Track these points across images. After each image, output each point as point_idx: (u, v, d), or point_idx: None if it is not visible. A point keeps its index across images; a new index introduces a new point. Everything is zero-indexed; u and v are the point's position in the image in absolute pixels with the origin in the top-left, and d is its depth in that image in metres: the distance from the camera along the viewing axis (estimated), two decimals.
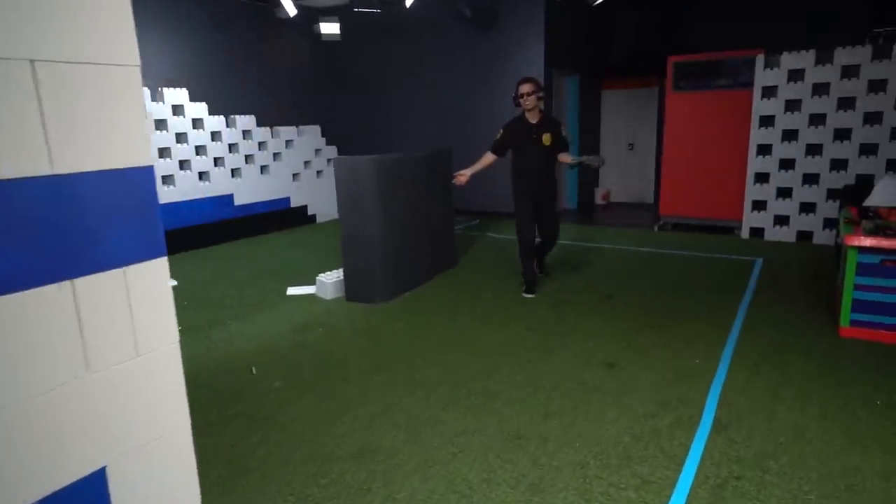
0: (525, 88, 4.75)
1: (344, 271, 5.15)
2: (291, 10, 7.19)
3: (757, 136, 6.99)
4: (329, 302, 5.15)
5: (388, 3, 8.12)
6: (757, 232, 7.19)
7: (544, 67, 8.25)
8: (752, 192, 7.13)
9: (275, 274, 6.10)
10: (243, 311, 4.95)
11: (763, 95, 6.89)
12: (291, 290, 5.47)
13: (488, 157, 5.04)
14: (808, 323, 4.26)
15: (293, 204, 8.72)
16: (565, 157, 4.96)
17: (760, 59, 6.82)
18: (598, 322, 4.41)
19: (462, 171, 5.09)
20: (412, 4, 7.31)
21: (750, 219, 7.20)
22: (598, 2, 6.90)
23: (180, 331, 4.32)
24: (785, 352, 3.76)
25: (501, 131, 4.97)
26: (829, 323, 4.23)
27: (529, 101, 4.75)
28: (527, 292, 5.10)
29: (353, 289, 5.12)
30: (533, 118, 4.83)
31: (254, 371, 3.70)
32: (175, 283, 5.84)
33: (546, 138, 4.80)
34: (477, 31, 8.48)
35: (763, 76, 6.83)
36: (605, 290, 5.23)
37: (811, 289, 5.08)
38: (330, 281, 5.24)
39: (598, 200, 10.33)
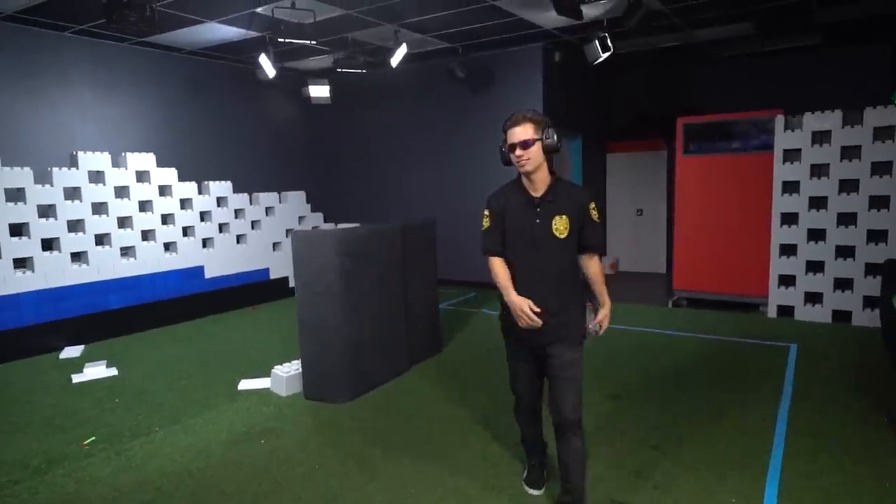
0: (519, 134, 2.41)
1: (302, 364, 4.36)
2: (271, 72, 6.74)
3: (780, 203, 6.26)
4: (284, 400, 4.33)
5: (374, 65, 7.68)
6: (786, 310, 6.34)
7: None
8: (778, 265, 6.33)
9: (233, 360, 5.31)
10: (181, 411, 4.14)
11: (785, 159, 6.21)
12: (244, 384, 4.66)
13: (499, 267, 2.60)
14: (871, 437, 3.37)
15: (273, 276, 8.03)
16: (594, 268, 2.61)
17: (780, 120, 6.18)
18: (603, 435, 3.54)
19: (520, 302, 2.48)
20: (398, 65, 6.83)
21: (777, 295, 6.37)
22: (599, 60, 6.38)
23: (93, 442, 3.57)
24: (852, 484, 2.87)
25: (486, 213, 2.62)
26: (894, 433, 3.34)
27: (527, 158, 2.41)
28: (528, 483, 2.94)
29: (311, 384, 4.31)
30: (536, 185, 2.49)
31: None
32: (115, 372, 5.07)
33: (560, 223, 2.46)
34: (471, 92, 7.99)
35: (784, 138, 6.18)
36: (611, 387, 4.37)
37: (864, 386, 4.20)
38: (286, 374, 4.43)
39: (605, 270, 9.56)
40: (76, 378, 4.93)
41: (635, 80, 9.59)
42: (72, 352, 5.73)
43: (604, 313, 2.64)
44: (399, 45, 6.56)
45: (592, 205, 2.51)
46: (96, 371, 5.05)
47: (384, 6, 5.77)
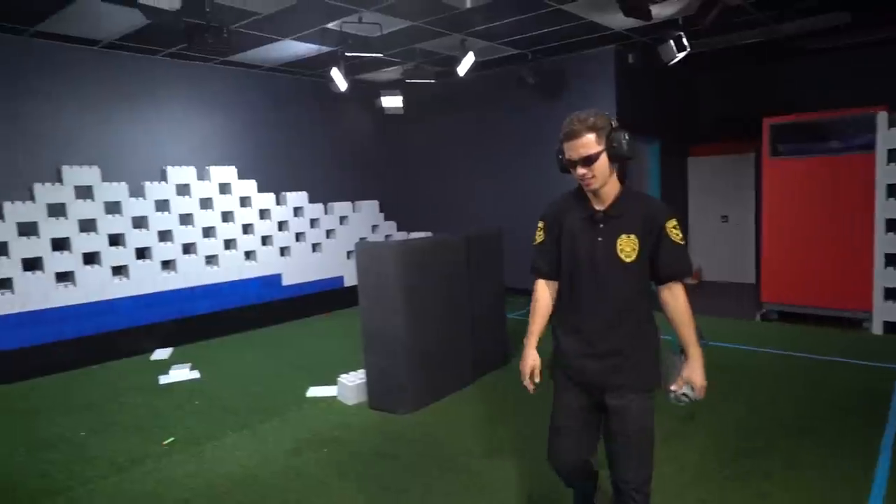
0: (579, 148, 1.98)
1: (366, 373, 4.42)
2: (342, 85, 6.93)
3: (885, 208, 5.70)
4: (349, 409, 4.41)
5: (442, 74, 7.72)
6: (894, 327, 5.75)
7: None
8: (884, 276, 5.76)
9: (305, 367, 5.47)
10: (251, 416, 4.31)
11: (890, 160, 5.65)
12: (313, 391, 4.79)
13: (541, 293, 2.27)
14: None
15: (347, 283, 8.22)
16: (676, 303, 2.08)
17: (884, 118, 5.63)
18: (671, 462, 3.33)
19: (527, 361, 2.24)
20: (466, 73, 6.82)
21: (883, 310, 5.79)
22: (674, 61, 6.08)
23: (172, 442, 3.78)
24: None
25: (540, 225, 2.26)
26: None
27: (593, 177, 2.01)
28: None
29: (375, 394, 4.35)
30: (601, 197, 2.08)
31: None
32: (197, 375, 5.36)
33: (626, 244, 2.05)
34: (542, 98, 7.85)
35: (889, 137, 5.62)
36: (684, 407, 4.11)
37: None
38: (351, 383, 4.51)
39: (688, 280, 9.08)
40: (163, 379, 5.25)
41: (717, 80, 9.08)
42: (161, 354, 6.12)
43: (693, 369, 2.01)
44: (466, 53, 6.55)
45: (672, 223, 2.02)
46: (181, 373, 5.36)
47: (450, 16, 5.79)
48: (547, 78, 7.61)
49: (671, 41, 5.97)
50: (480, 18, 5.97)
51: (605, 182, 2.02)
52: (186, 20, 4.79)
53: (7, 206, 5.52)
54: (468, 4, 5.49)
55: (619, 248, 2.04)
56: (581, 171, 2.00)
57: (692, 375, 2.04)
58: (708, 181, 9.06)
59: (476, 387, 4.71)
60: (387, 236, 8.76)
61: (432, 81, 7.64)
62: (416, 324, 4.25)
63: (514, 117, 8.26)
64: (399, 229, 9.09)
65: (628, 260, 2.03)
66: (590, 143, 1.96)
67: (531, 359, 2.22)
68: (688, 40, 5.95)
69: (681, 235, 2.05)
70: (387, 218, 8.97)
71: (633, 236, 2.03)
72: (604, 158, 1.97)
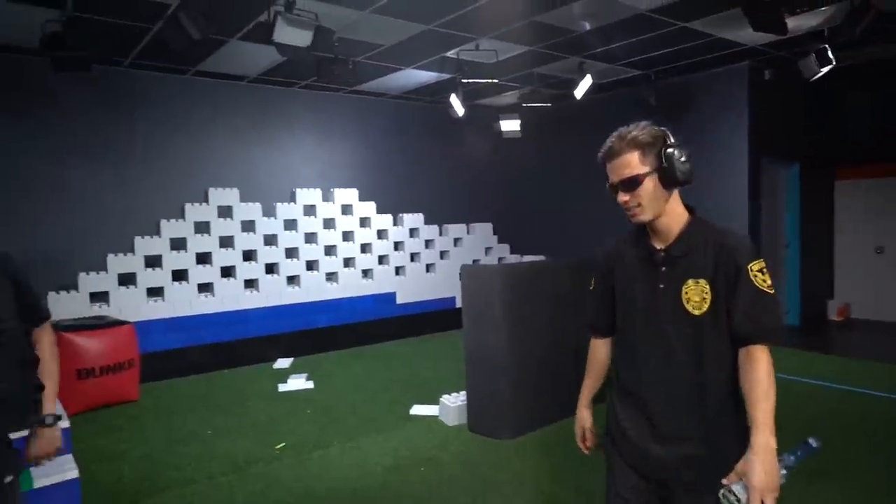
0: (619, 168, 1.61)
1: (467, 396, 4.43)
2: (460, 111, 7.10)
3: None
4: (449, 430, 4.42)
5: (559, 97, 7.64)
6: None
7: (749, 157, 6.89)
8: None
9: (412, 384, 5.59)
10: (356, 429, 4.47)
11: None
12: (416, 409, 4.88)
13: (596, 351, 1.93)
14: None
15: (458, 304, 8.33)
16: (754, 372, 1.51)
17: None
18: None
19: (577, 423, 1.99)
20: (584, 96, 6.70)
21: None
22: (817, 76, 5.55)
23: (283, 447, 4.03)
24: None
25: (594, 273, 1.92)
26: None
27: (637, 205, 1.61)
28: None
29: (476, 417, 4.34)
30: (661, 232, 1.66)
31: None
32: (312, 385, 5.68)
33: (694, 292, 1.60)
34: (665, 120, 7.39)
35: None
36: (815, 461, 3.66)
37: None
38: (453, 405, 4.53)
39: (833, 316, 8.13)
40: (282, 387, 5.62)
41: (869, 95, 8.13)
42: (283, 363, 6.56)
43: (753, 463, 1.42)
44: (583, 76, 6.45)
45: (757, 264, 1.54)
46: (298, 383, 5.71)
47: (568, 39, 5.74)
48: (670, 99, 7.27)
49: (813, 55, 5.48)
50: (599, 41, 5.86)
51: (657, 212, 1.60)
52: (317, 54, 5.18)
53: (163, 223, 6.26)
54: (587, 27, 5.42)
55: (684, 296, 1.60)
56: (622, 197, 1.61)
57: (750, 470, 1.42)
58: (859, 207, 8.11)
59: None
60: (500, 259, 8.78)
61: (548, 105, 7.60)
62: (519, 349, 4.19)
63: None
64: (512, 252, 9.07)
65: (697, 312, 1.58)
66: (632, 162, 1.57)
67: (580, 420, 1.96)
68: (833, 53, 5.42)
69: (768, 282, 1.55)
70: (500, 240, 9.00)
71: (702, 282, 1.58)
72: (651, 182, 1.57)
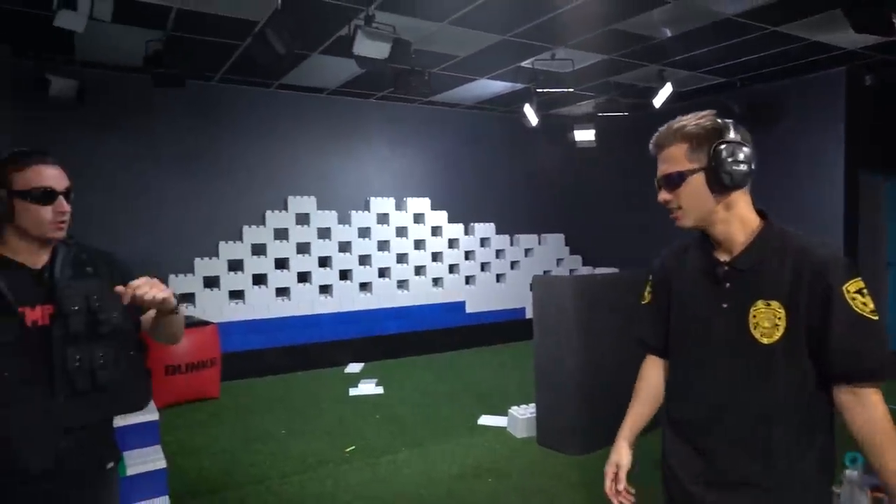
0: (662, 164, 1.41)
1: (536, 409, 4.35)
2: (534, 120, 7.05)
3: None
4: (517, 442, 4.36)
5: (636, 106, 7.44)
6: None
7: (845, 168, 6.44)
8: None
9: (480, 394, 5.57)
10: (424, 436, 4.49)
11: None
12: (484, 419, 4.85)
13: (647, 372, 1.65)
14: None
15: (528, 315, 8.22)
16: (867, 415, 1.25)
17: None
18: None
19: (610, 458, 1.69)
20: (662, 105, 6.49)
21: None
22: None
23: (353, 451, 4.11)
24: None
25: (648, 284, 1.63)
26: None
27: (678, 207, 1.40)
28: None
29: (544, 431, 4.25)
30: (725, 241, 1.39)
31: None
32: (381, 391, 5.76)
33: (764, 316, 1.31)
34: (750, 128, 7.05)
35: None
36: None
37: None
38: (522, 417, 4.47)
39: None
40: (352, 391, 5.74)
41: None
42: (354, 368, 6.70)
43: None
44: (663, 84, 6.25)
45: (853, 284, 1.25)
46: (368, 388, 5.81)
47: (648, 46, 5.59)
48: (757, 107, 6.92)
49: None
50: (681, 47, 5.67)
51: (701, 218, 1.37)
52: (393, 66, 5.31)
53: (245, 229, 6.57)
54: (668, 34, 5.26)
55: (752, 320, 1.32)
56: (662, 195, 1.40)
57: None
58: None
59: (655, 435, 4.35)
60: (571, 270, 8.62)
61: (625, 114, 7.42)
62: (592, 363, 4.08)
63: None
64: (584, 264, 8.88)
65: (767, 341, 1.30)
66: (677, 156, 1.35)
67: (615, 456, 1.63)
68: None
69: (870, 306, 1.25)
70: (572, 252, 8.84)
71: (775, 304, 1.30)
72: (697, 182, 1.33)
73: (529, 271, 8.25)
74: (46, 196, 1.48)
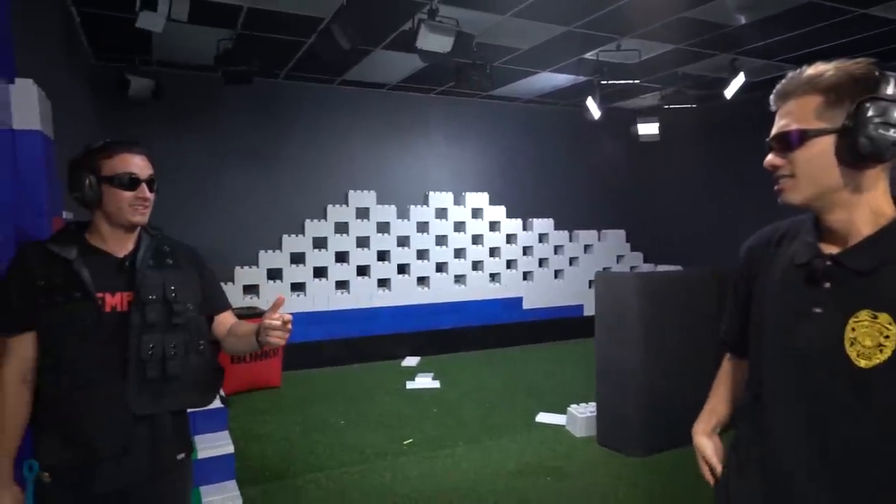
0: (780, 119, 1.12)
1: (597, 407, 4.25)
2: (596, 114, 6.88)
3: None
4: (576, 441, 4.28)
5: (705, 98, 7.14)
6: None
7: None
8: None
9: (537, 391, 5.50)
10: (482, 432, 4.47)
11: None
12: (542, 417, 4.78)
13: (730, 372, 1.50)
14: None
15: (586, 312, 8.06)
16: None
17: None
18: None
19: (702, 453, 1.45)
20: (733, 96, 6.20)
21: None
22: None
23: (410, 444, 4.14)
24: None
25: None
26: None
27: (790, 173, 1.10)
28: None
29: (605, 430, 4.15)
30: (837, 231, 1.12)
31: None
32: (438, 385, 5.78)
33: (868, 331, 1.02)
34: None
35: None
36: None
37: None
38: (581, 415, 4.38)
39: None
40: (409, 385, 5.78)
41: None
42: (410, 361, 6.75)
43: None
44: (735, 74, 5.96)
45: None
46: (424, 381, 5.84)
47: (719, 35, 5.34)
48: None
49: None
50: (757, 35, 5.39)
51: (815, 195, 1.09)
52: (456, 60, 5.29)
53: (307, 223, 6.72)
54: (742, 20, 5.01)
55: (849, 334, 1.04)
56: (771, 159, 1.12)
57: None
58: None
59: (724, 437, 4.17)
60: (632, 267, 8.39)
61: (693, 106, 7.14)
62: (654, 362, 3.95)
63: None
64: (646, 261, 8.62)
65: (864, 364, 1.02)
66: (804, 110, 1.07)
67: (700, 450, 1.44)
68: None
69: None
70: (633, 248, 8.60)
71: (884, 317, 1.01)
72: (822, 146, 1.05)
73: (588, 268, 8.09)
74: (130, 182, 1.54)
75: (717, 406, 1.46)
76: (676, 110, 7.83)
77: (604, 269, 8.14)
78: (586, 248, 8.22)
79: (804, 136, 1.06)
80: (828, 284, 1.09)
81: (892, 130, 0.98)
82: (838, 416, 1.06)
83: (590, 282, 8.11)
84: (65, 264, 1.49)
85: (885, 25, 5.10)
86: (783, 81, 1.12)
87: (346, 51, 4.39)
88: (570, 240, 8.14)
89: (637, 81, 6.09)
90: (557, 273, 8.01)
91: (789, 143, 1.08)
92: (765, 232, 1.30)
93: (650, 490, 3.47)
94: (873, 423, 1.02)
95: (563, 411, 4.72)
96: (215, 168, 6.54)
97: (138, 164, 1.57)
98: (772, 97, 1.14)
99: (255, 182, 6.74)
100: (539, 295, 7.76)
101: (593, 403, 4.41)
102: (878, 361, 1.00)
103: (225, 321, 1.77)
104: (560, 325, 7.85)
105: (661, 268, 8.00)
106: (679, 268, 7.30)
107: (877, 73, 1.02)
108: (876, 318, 1.01)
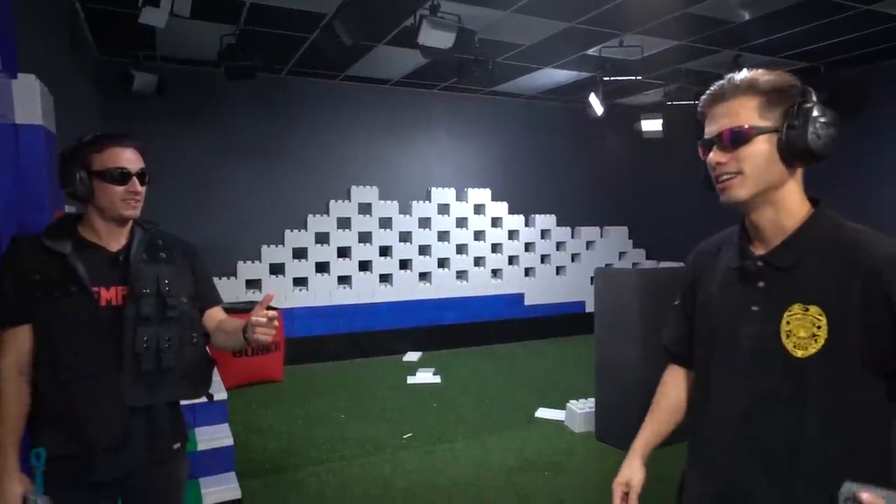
0: (721, 118, 1.16)
1: (596, 404, 4.27)
2: (599, 110, 6.87)
3: None
4: (576, 436, 4.30)
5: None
6: None
7: None
8: None
9: (537, 387, 5.51)
10: (481, 427, 4.49)
11: None
12: (541, 412, 4.80)
13: (668, 381, 1.51)
14: None
15: (588, 309, 8.07)
16: None
17: None
18: None
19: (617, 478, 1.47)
20: None
21: None
22: None
23: (410, 438, 4.16)
24: None
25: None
26: None
27: (737, 170, 1.14)
28: None
29: (604, 426, 4.17)
30: (763, 230, 1.19)
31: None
32: (438, 380, 5.80)
33: (801, 323, 1.09)
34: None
35: None
36: None
37: None
38: (580, 411, 4.40)
39: None
40: (410, 380, 5.81)
41: None
42: (411, 356, 6.77)
43: None
44: (739, 71, 5.93)
45: None
46: (425, 376, 5.87)
47: (723, 31, 5.33)
48: (841, 93, 6.46)
49: None
50: (760, 31, 5.37)
51: (760, 190, 1.13)
52: (457, 56, 5.29)
53: (310, 218, 6.74)
54: (746, 17, 4.99)
55: (784, 327, 1.11)
56: (716, 156, 1.15)
57: None
58: None
59: (668, 452, 4.18)
60: (634, 264, 8.38)
61: (695, 103, 7.10)
62: (653, 359, 3.93)
63: None
64: (648, 258, 8.62)
65: (800, 354, 1.09)
66: (744, 110, 1.12)
67: (627, 472, 1.45)
68: None
69: None
70: (636, 245, 8.60)
71: (814, 309, 1.08)
72: (766, 145, 1.10)
73: (590, 264, 8.08)
74: (120, 176, 1.54)
75: (654, 426, 1.46)
76: (679, 107, 7.81)
77: (605, 265, 8.14)
78: (588, 244, 8.22)
79: (751, 134, 1.11)
80: (761, 283, 1.16)
81: (832, 129, 1.08)
82: (780, 410, 1.12)
83: (592, 278, 8.11)
84: (60, 259, 1.50)
85: (889, 22, 5.08)
86: (715, 87, 1.17)
87: (348, 47, 4.40)
88: (573, 236, 8.14)
89: (639, 78, 6.07)
90: (559, 269, 8.01)
91: (736, 140, 1.12)
92: (712, 239, 1.38)
93: (647, 485, 3.48)
94: (812, 412, 1.09)
95: (562, 407, 4.74)
96: (218, 163, 6.56)
97: (128, 158, 1.57)
98: (702, 101, 1.19)
99: (257, 177, 6.76)
100: (541, 291, 7.77)
101: (592, 399, 4.42)
102: (813, 351, 1.07)
103: (215, 316, 1.79)
104: (562, 322, 7.86)
105: (664, 265, 8.00)
106: (682, 265, 7.30)
107: (802, 84, 1.13)
108: (807, 310, 1.09)
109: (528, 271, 7.80)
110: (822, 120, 1.07)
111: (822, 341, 1.07)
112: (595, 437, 4.21)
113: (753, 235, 1.21)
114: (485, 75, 5.72)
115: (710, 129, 1.16)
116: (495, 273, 7.61)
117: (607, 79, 6.10)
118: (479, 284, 7.42)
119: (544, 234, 7.94)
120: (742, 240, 1.23)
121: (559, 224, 8.07)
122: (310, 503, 3.31)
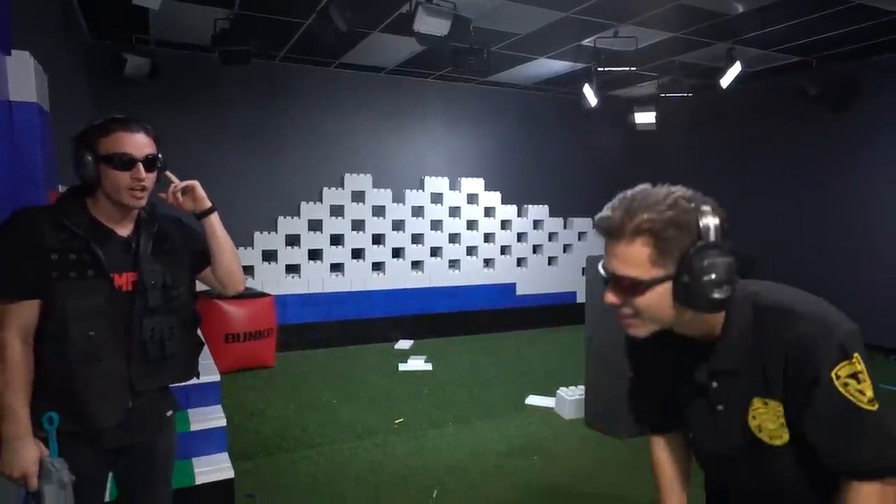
0: (615, 259, 1.08)
1: (586, 390, 4.32)
2: (593, 101, 6.89)
3: None
4: (565, 422, 4.35)
5: (701, 88, 7.16)
6: None
7: None
8: None
9: (528, 375, 5.57)
10: (472, 413, 4.54)
11: None
12: (532, 399, 4.85)
13: (661, 457, 1.42)
14: None
15: (580, 299, 8.12)
16: None
17: None
18: None
19: None
20: (730, 85, 6.21)
21: None
22: None
23: (401, 423, 4.20)
24: None
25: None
26: None
27: (634, 313, 1.10)
28: None
29: (593, 413, 4.23)
30: (696, 339, 1.18)
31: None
32: (430, 367, 5.84)
33: (766, 414, 1.12)
34: (827, 113, 6.75)
35: None
36: None
37: None
38: (570, 398, 4.45)
39: None
40: (401, 367, 5.84)
41: None
42: (403, 344, 6.81)
43: None
44: (732, 63, 5.98)
45: (843, 367, 1.02)
46: (417, 364, 5.90)
47: (717, 24, 5.35)
48: (835, 88, 6.53)
49: None
50: (754, 24, 5.40)
51: (662, 326, 1.12)
52: (453, 44, 5.28)
53: (303, 205, 6.74)
54: (739, 9, 5.02)
55: (752, 422, 1.14)
56: (609, 298, 1.11)
57: None
58: None
59: None
60: None
61: (689, 95, 7.16)
62: None
63: (788, 133, 7.25)
64: None
65: (780, 443, 1.12)
66: (635, 257, 1.05)
67: None
68: None
69: (868, 394, 1.02)
70: None
71: (772, 403, 1.11)
72: (662, 291, 1.06)
73: (582, 255, 8.10)
74: (125, 162, 1.51)
75: (674, 500, 1.40)
76: (672, 99, 7.85)
77: (598, 256, 8.19)
78: (580, 235, 8.27)
79: (644, 286, 1.05)
80: (715, 384, 1.17)
81: (724, 288, 1.02)
82: (775, 482, 1.18)
83: (583, 269, 8.16)
84: (80, 241, 1.51)
85: (883, 16, 5.12)
86: (607, 217, 1.08)
87: (343, 33, 4.39)
88: (565, 227, 8.18)
89: (634, 69, 6.09)
90: (551, 260, 8.06)
91: (630, 290, 1.07)
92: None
93: (636, 470, 3.54)
94: (805, 484, 1.15)
95: (553, 394, 4.79)
96: (211, 149, 6.53)
97: (134, 143, 1.54)
98: (597, 221, 1.10)
99: (251, 163, 6.74)
100: (533, 281, 7.82)
101: (582, 386, 4.48)
102: (787, 439, 1.11)
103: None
104: (553, 312, 7.91)
105: None
106: None
107: (694, 207, 1.05)
108: (767, 403, 1.11)
109: (520, 261, 7.84)
110: (709, 278, 1.01)
111: (790, 431, 1.10)
112: (584, 423, 4.27)
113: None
114: (480, 63, 5.70)
115: (605, 264, 1.10)
116: (487, 263, 7.65)
117: (601, 69, 6.11)
118: (472, 274, 7.46)
119: (537, 224, 7.98)
120: (677, 345, 1.19)
121: (552, 214, 8.11)
122: (301, 485, 3.34)
